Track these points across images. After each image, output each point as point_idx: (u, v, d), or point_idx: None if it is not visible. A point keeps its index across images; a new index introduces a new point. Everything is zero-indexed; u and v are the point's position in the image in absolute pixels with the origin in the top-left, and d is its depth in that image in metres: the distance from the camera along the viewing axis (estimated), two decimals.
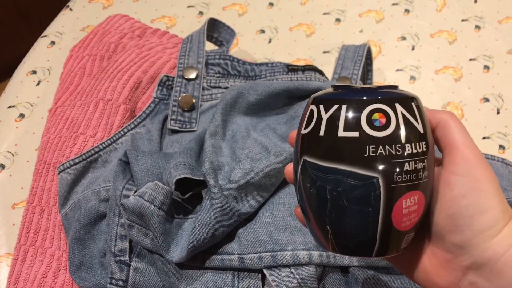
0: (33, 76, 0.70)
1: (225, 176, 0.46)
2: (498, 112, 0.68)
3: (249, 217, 0.46)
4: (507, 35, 0.75)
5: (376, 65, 0.72)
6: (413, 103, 0.28)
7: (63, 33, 0.75)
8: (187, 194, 0.46)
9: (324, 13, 0.78)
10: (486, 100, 0.69)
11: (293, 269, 0.42)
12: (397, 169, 0.27)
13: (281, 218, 0.45)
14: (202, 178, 0.45)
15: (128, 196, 0.47)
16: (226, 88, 0.58)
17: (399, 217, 0.27)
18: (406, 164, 0.27)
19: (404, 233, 0.28)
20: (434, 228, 0.29)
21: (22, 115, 0.66)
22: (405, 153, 0.27)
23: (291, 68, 0.60)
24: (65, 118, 0.59)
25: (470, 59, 0.73)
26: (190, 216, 0.47)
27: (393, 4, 0.79)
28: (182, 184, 0.46)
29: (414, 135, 0.27)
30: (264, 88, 0.51)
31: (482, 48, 0.74)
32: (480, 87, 0.70)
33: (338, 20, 0.77)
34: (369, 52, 0.65)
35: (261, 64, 0.60)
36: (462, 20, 0.77)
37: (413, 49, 0.74)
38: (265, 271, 0.43)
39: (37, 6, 1.27)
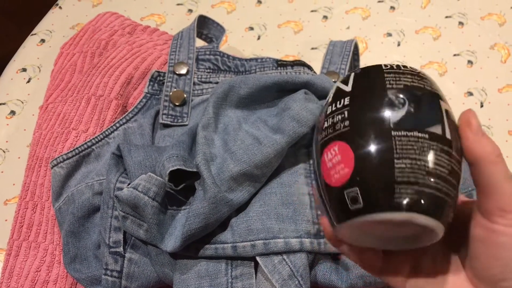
0: (23, 73, 0.70)
1: (217, 167, 0.46)
2: (481, 106, 0.70)
3: (242, 207, 0.47)
4: (489, 31, 0.77)
5: (363, 61, 0.74)
6: (352, 74, 0.31)
7: (52, 31, 0.75)
8: (180, 186, 0.47)
9: (312, 11, 0.79)
10: (470, 94, 0.71)
11: (285, 256, 0.43)
12: (321, 129, 0.30)
13: (273, 207, 0.46)
14: (195, 170, 0.46)
15: (121, 189, 0.47)
16: (217, 83, 0.59)
17: (327, 172, 0.29)
18: (325, 122, 0.30)
19: (340, 189, 0.28)
20: (483, 272, 0.28)
21: (13, 112, 0.66)
22: (326, 114, 0.31)
23: (281, 64, 0.61)
24: (56, 114, 0.59)
25: (454, 55, 0.75)
26: (183, 207, 0.48)
27: (378, 1, 0.80)
28: (175, 176, 0.47)
29: (335, 96, 0.30)
30: (255, 82, 0.52)
31: (465, 44, 0.76)
32: (464, 82, 0.72)
33: (325, 17, 0.79)
34: (356, 47, 0.66)
35: (251, 59, 0.61)
36: (446, 17, 0.79)
37: (398, 45, 0.76)
38: (258, 258, 0.44)
39: (23, 6, 1.27)
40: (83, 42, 0.68)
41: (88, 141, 0.54)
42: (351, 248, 0.33)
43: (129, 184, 0.47)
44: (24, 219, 0.55)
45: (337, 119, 0.29)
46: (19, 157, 0.63)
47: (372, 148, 0.27)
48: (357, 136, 0.28)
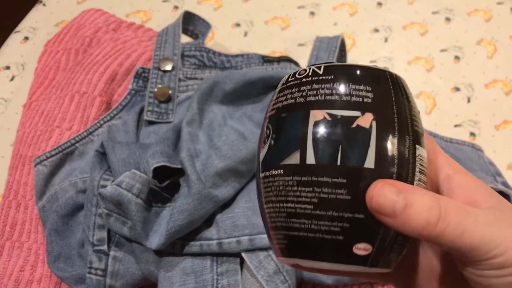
0: (6, 71, 0.69)
1: (202, 163, 0.46)
2: (468, 101, 0.70)
3: (227, 203, 0.47)
4: (475, 26, 0.77)
5: (350, 57, 0.73)
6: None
7: (36, 29, 0.74)
8: (165, 183, 0.47)
9: (299, 7, 0.79)
10: (457, 89, 0.71)
11: (270, 252, 0.43)
12: None
13: None
14: (179, 166, 0.46)
15: (105, 186, 0.47)
16: (202, 79, 0.59)
17: None
18: None
19: None
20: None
21: None
22: None
23: (267, 59, 0.60)
24: (40, 112, 0.58)
25: (441, 50, 0.75)
26: (168, 204, 0.47)
27: None
28: (160, 173, 0.47)
29: None
30: (240, 77, 0.52)
31: (452, 40, 0.76)
32: (451, 77, 0.72)
33: (312, 13, 0.78)
34: (342, 43, 0.66)
35: (237, 55, 0.61)
36: (433, 13, 0.79)
37: (386, 41, 0.76)
38: (243, 254, 0.43)
39: (6, 3, 1.25)
40: (67, 39, 0.67)
41: (71, 139, 0.53)
42: None
43: (113, 181, 0.47)
44: (7, 218, 0.54)
45: None
46: (2, 156, 0.62)
47: (258, 195, 0.26)
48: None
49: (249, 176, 0.48)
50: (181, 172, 0.47)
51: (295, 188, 0.23)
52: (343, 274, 0.27)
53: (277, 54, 0.73)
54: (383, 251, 0.23)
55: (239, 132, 0.48)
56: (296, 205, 0.23)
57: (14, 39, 0.73)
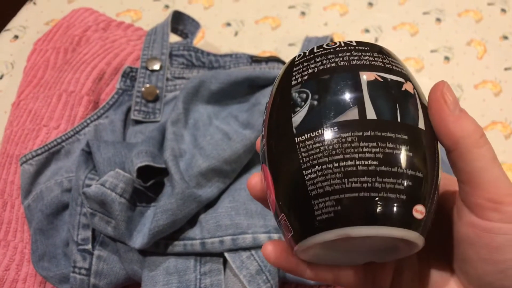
0: None
1: (186, 163, 0.46)
2: None
3: (211, 203, 0.47)
4: (466, 27, 0.78)
5: None
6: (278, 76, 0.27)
7: (26, 27, 0.74)
8: (150, 182, 0.47)
9: (290, 7, 0.79)
10: None
11: (253, 252, 0.43)
12: None
13: (242, 203, 0.46)
14: (163, 166, 0.46)
15: (90, 186, 0.47)
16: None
17: (266, 197, 0.26)
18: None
19: (275, 217, 0.25)
20: (477, 279, 0.23)
21: None
22: None
23: (255, 59, 0.61)
24: (28, 110, 0.58)
25: (431, 51, 0.75)
26: (153, 204, 0.47)
27: None
28: (145, 172, 0.47)
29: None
30: (226, 77, 0.52)
31: (442, 40, 0.76)
32: (440, 78, 0.72)
33: (303, 13, 0.79)
34: None
35: (225, 55, 0.61)
36: (424, 13, 0.79)
37: (376, 41, 0.76)
38: (226, 254, 0.43)
39: None
40: (57, 38, 0.67)
41: (58, 138, 0.53)
42: (322, 268, 0.28)
43: (97, 181, 0.47)
44: None
45: (261, 138, 0.26)
46: None
47: (283, 166, 0.23)
48: (270, 155, 0.24)
49: (233, 176, 0.48)
50: (165, 171, 0.47)
51: (356, 144, 0.21)
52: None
53: (267, 54, 0.73)
54: (429, 217, 0.23)
55: (224, 132, 0.48)
56: (358, 162, 0.21)
57: (4, 38, 0.73)
